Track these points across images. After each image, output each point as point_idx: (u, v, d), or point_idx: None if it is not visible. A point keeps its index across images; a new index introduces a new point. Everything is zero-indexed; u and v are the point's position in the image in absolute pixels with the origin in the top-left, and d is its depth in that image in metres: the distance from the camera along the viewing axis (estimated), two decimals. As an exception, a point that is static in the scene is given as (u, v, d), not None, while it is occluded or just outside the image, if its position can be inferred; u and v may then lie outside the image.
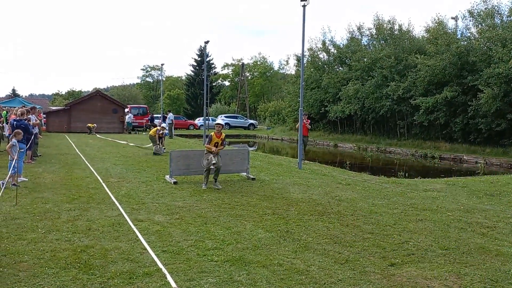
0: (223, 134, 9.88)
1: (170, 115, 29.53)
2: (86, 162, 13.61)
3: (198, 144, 22.77)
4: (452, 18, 29.10)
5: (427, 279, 4.59)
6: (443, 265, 5.03)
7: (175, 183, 10.11)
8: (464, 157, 21.03)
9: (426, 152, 23.03)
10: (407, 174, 14.73)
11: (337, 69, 34.45)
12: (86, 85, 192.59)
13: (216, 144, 9.67)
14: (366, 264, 4.98)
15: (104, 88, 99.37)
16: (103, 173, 11.39)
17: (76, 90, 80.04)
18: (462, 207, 8.16)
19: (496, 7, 23.76)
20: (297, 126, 16.19)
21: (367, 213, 7.55)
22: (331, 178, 11.70)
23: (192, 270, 4.64)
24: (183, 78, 78.96)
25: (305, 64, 36.48)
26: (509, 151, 20.25)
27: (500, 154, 20.36)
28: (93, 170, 11.97)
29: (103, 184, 9.82)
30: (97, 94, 36.16)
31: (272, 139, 38.01)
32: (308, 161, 15.68)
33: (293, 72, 46.95)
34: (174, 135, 29.89)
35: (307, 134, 16.18)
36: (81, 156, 15.45)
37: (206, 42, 25.10)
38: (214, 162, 9.54)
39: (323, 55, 36.56)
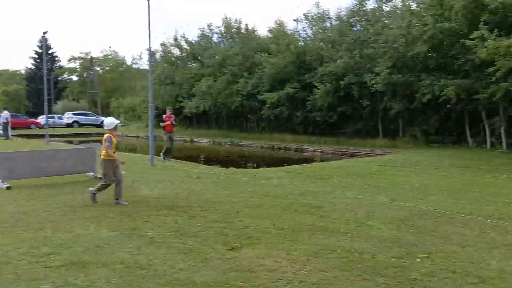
0: None
1: (5, 113, 26.19)
2: None
3: (40, 145, 20.71)
4: (294, 20, 32.00)
5: (261, 258, 5.07)
6: (276, 244, 5.60)
7: (8, 188, 9.10)
8: (305, 147, 23.35)
9: (273, 143, 24.92)
10: (255, 164, 15.78)
11: (190, 65, 34.79)
12: None
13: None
14: (208, 251, 5.27)
15: None
16: None
17: None
18: (297, 191, 9.14)
19: (326, 12, 26.93)
20: (162, 124, 15.84)
21: (214, 203, 7.93)
22: (182, 173, 11.88)
23: (21, 279, 4.32)
24: (23, 72, 70.38)
25: (158, 59, 35.97)
26: (341, 140, 23.24)
27: (334, 143, 23.20)
28: None
29: None
30: None
31: (127, 136, 36.58)
32: (167, 159, 15.36)
33: (147, 67, 45.77)
34: (12, 135, 26.64)
35: (172, 130, 15.94)
36: None
37: (45, 33, 22.86)
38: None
39: (176, 51, 36.55)
